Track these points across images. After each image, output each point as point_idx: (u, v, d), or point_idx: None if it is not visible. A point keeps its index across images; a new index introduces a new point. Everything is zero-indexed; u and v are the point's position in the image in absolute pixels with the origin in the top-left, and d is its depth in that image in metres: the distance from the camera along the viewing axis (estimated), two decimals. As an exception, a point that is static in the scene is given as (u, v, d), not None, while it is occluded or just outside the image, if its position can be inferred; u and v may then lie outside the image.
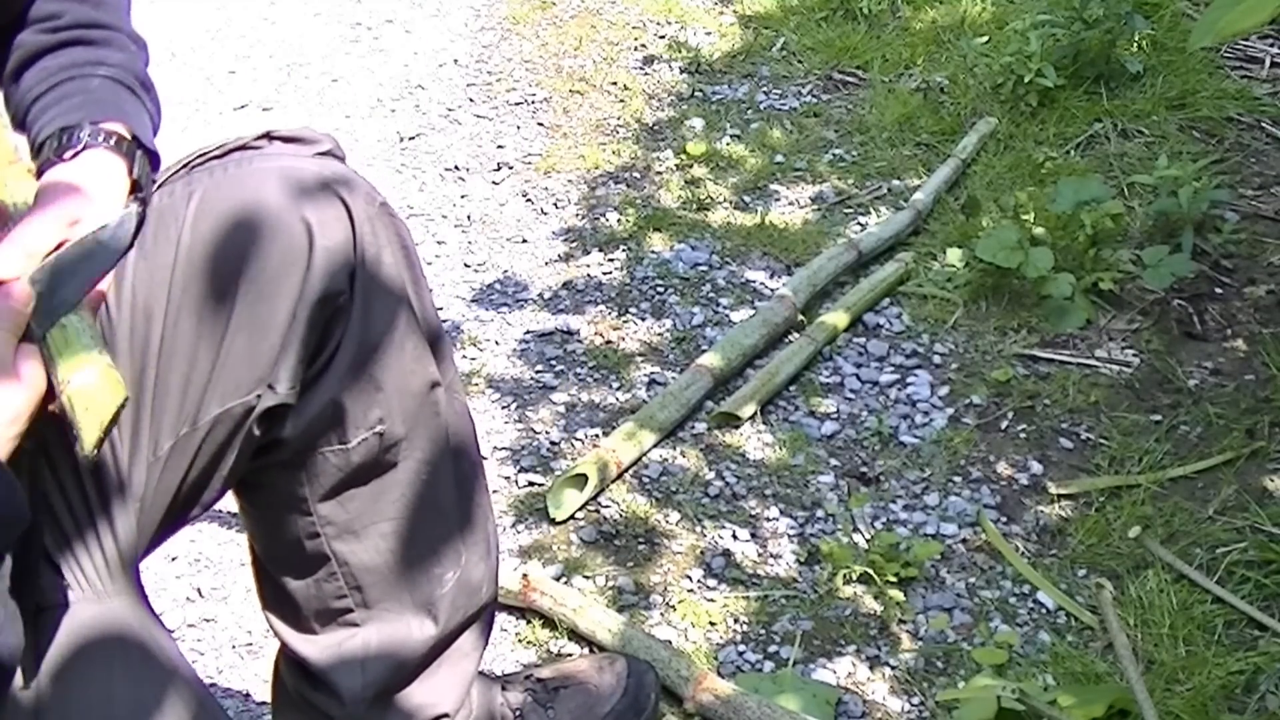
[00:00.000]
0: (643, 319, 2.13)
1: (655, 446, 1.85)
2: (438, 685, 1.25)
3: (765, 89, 2.79)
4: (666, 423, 1.85)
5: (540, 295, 2.20)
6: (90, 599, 0.95)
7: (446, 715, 1.26)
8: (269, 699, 1.34)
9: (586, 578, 1.66)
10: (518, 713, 1.37)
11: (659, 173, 2.53)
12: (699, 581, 1.65)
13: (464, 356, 2.06)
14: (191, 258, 1.02)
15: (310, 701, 1.22)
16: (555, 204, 2.44)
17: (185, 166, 1.07)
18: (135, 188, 1.01)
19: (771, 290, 2.16)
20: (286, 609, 1.21)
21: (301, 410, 1.09)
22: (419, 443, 1.17)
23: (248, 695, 1.52)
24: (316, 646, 1.20)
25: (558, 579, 1.65)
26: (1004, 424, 1.90)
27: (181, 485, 1.05)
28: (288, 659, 1.24)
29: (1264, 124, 2.54)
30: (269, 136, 1.11)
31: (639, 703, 1.43)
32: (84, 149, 0.99)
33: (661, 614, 1.61)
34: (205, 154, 1.08)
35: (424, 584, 1.21)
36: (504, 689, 1.39)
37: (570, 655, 1.54)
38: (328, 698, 1.21)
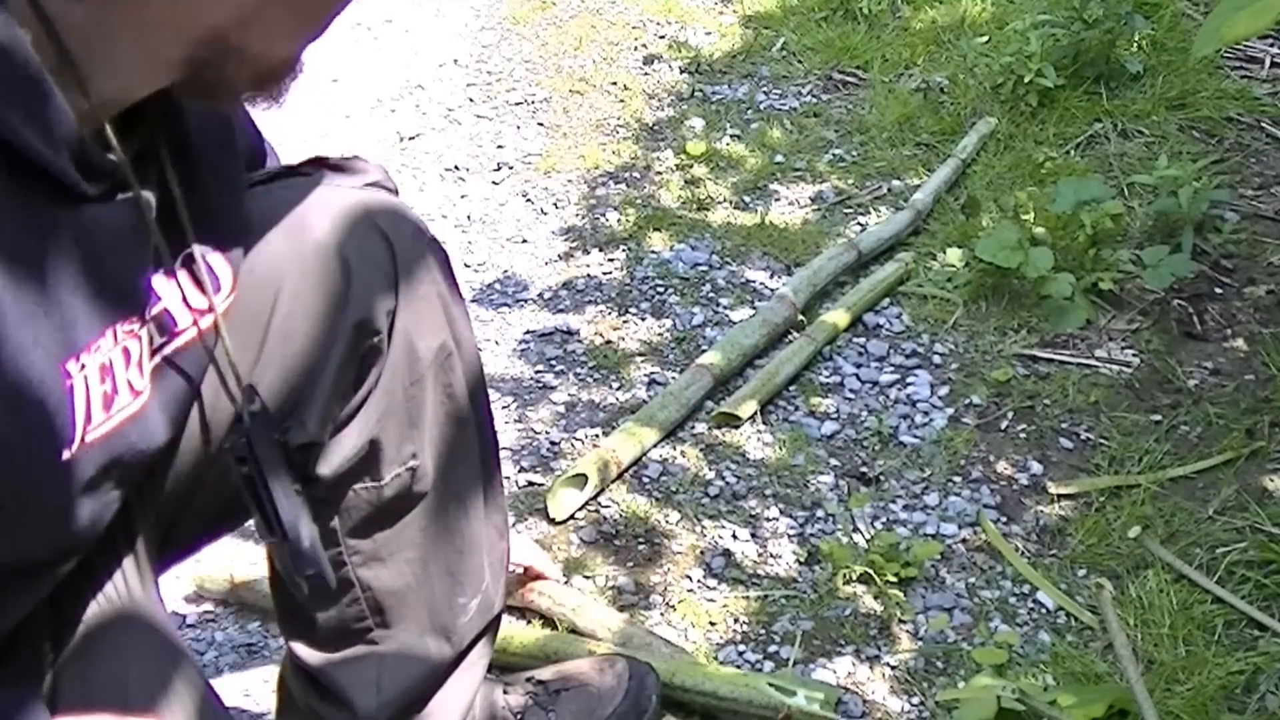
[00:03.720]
0: (643, 319, 2.13)
1: (655, 446, 1.85)
2: (446, 697, 1.26)
3: (765, 89, 2.79)
4: (666, 422, 1.85)
5: (540, 295, 2.20)
6: (114, 598, 0.96)
7: None
8: (270, 701, 1.34)
9: (586, 578, 1.66)
10: (519, 715, 1.37)
11: (659, 173, 2.53)
12: (699, 581, 1.65)
13: (464, 356, 2.06)
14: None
15: (321, 715, 1.22)
16: (555, 204, 2.44)
17: None
18: None
19: (771, 290, 2.16)
20: (304, 626, 1.21)
21: (336, 449, 1.08)
22: (449, 476, 1.17)
23: (248, 695, 1.52)
24: (330, 661, 1.20)
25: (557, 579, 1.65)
26: (1004, 424, 1.90)
27: (209, 506, 1.05)
28: (298, 671, 1.23)
29: (1264, 124, 2.54)
30: (317, 163, 1.10)
31: (640, 704, 1.42)
32: None
33: (661, 614, 1.61)
34: (251, 178, 1.06)
35: (445, 611, 1.21)
36: (505, 691, 1.39)
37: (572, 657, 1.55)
38: (339, 712, 1.21)
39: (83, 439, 0.80)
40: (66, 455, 0.79)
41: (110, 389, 0.82)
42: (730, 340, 1.99)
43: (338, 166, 1.11)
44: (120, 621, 0.94)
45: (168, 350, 0.89)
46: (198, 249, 0.90)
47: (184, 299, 0.90)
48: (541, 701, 1.39)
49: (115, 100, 0.79)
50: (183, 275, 0.90)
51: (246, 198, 1.01)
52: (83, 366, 0.79)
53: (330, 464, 1.09)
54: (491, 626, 1.28)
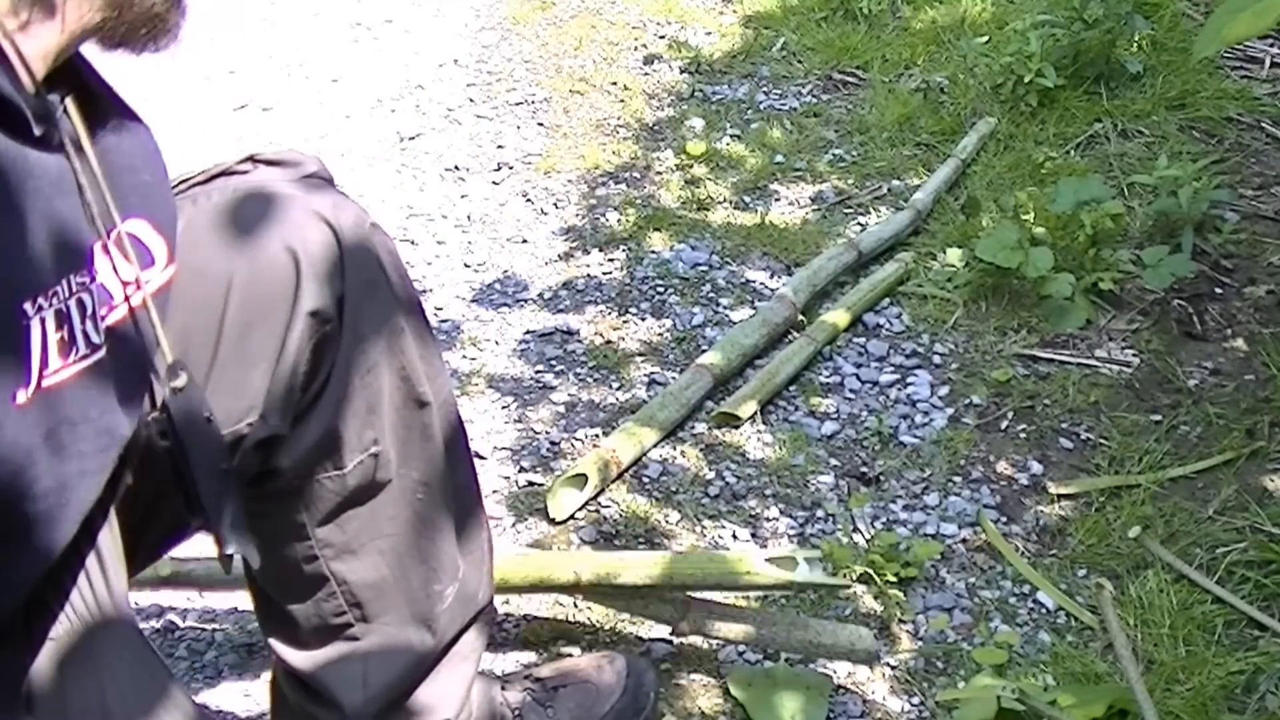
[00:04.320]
0: (643, 319, 2.13)
1: (655, 446, 1.85)
2: (439, 690, 1.25)
3: (765, 89, 2.79)
4: (666, 422, 1.85)
5: (540, 295, 2.20)
6: (84, 611, 0.93)
7: (448, 719, 1.27)
8: (268, 705, 1.34)
9: (586, 578, 1.66)
10: (517, 712, 1.37)
11: (659, 173, 2.53)
12: (699, 581, 1.65)
13: (464, 356, 2.06)
14: (179, 288, 0.99)
15: (313, 715, 1.22)
16: (555, 204, 2.44)
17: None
18: None
19: (771, 290, 2.16)
20: (285, 627, 1.21)
21: (297, 439, 1.09)
22: (413, 461, 1.17)
23: (248, 695, 1.52)
24: (315, 662, 1.20)
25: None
26: (1004, 424, 1.90)
27: (172, 506, 1.03)
28: (287, 673, 1.24)
29: (1264, 124, 2.54)
30: (252, 160, 1.11)
31: (638, 701, 1.43)
32: None
33: (661, 614, 1.61)
34: (189, 180, 1.07)
35: (423, 600, 1.21)
36: (503, 688, 1.39)
37: (570, 654, 1.54)
38: (330, 712, 1.21)
39: (39, 384, 0.79)
40: (22, 399, 0.78)
41: (67, 336, 0.81)
42: (730, 340, 1.99)
43: (273, 161, 1.11)
44: (92, 635, 0.92)
45: (108, 321, 0.88)
46: (129, 221, 0.90)
47: (114, 270, 0.89)
48: (539, 698, 1.39)
49: (46, 50, 0.82)
50: (113, 247, 0.89)
51: (186, 199, 1.03)
52: (39, 309, 0.78)
53: (292, 455, 1.09)
54: (480, 619, 1.28)
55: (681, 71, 2.87)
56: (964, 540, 1.71)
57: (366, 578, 1.18)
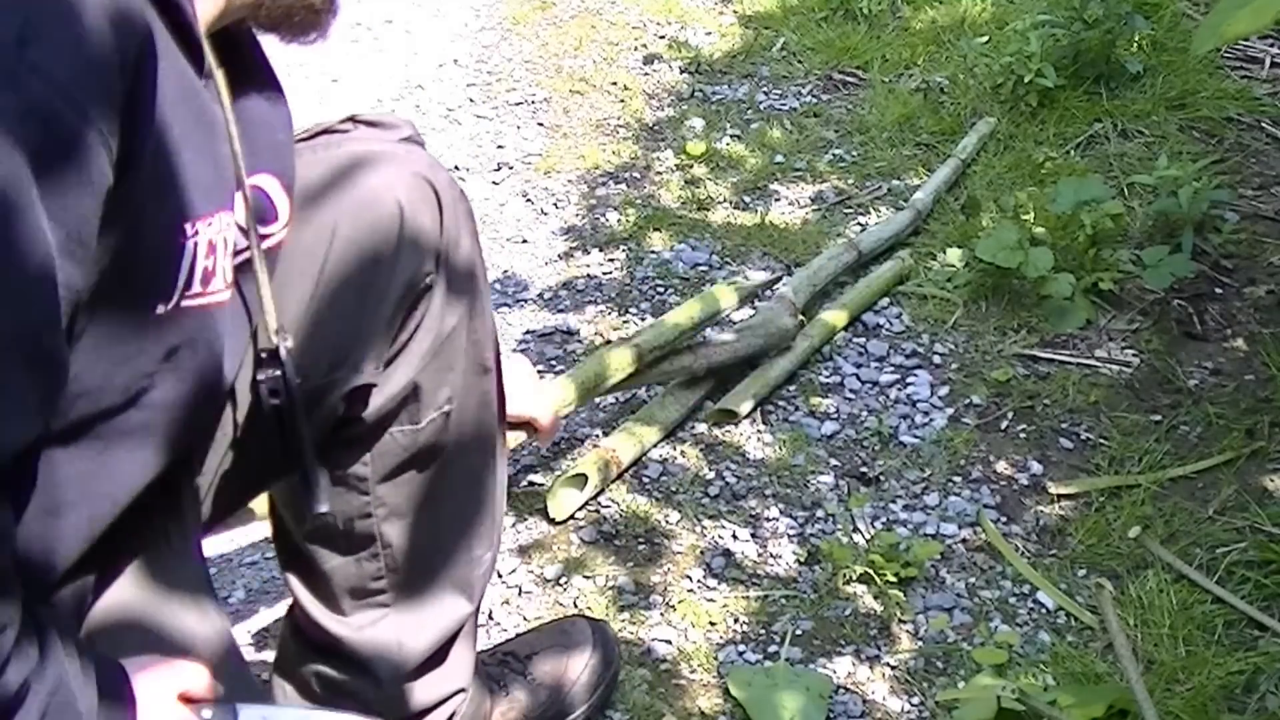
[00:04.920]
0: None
1: (655, 446, 1.85)
2: (457, 657, 1.28)
3: (765, 89, 2.79)
4: (666, 422, 1.85)
5: (540, 295, 2.20)
6: (155, 556, 0.98)
7: (464, 690, 1.29)
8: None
9: (586, 578, 1.66)
10: (500, 683, 1.39)
11: (659, 173, 2.53)
12: (699, 581, 1.65)
13: (464, 356, 2.06)
14: (288, 237, 1.04)
15: (337, 680, 1.23)
16: (555, 204, 2.44)
17: None
18: None
19: (771, 290, 2.16)
20: (317, 586, 1.22)
21: (380, 389, 1.11)
22: (471, 426, 1.19)
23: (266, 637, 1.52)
24: (349, 628, 1.22)
25: (558, 579, 1.65)
26: (1004, 424, 1.90)
27: (259, 457, 1.08)
28: (310, 635, 1.24)
29: (1264, 124, 2.54)
30: (353, 120, 1.15)
31: (608, 655, 1.46)
32: None
33: (661, 614, 1.61)
34: (295, 138, 1.10)
35: (463, 565, 1.23)
36: (484, 663, 1.41)
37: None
38: (362, 678, 1.22)
39: (178, 303, 0.84)
40: (160, 311, 0.83)
41: (211, 267, 0.87)
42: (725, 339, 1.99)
43: (372, 122, 1.15)
44: (158, 574, 0.97)
45: (237, 261, 0.93)
46: (258, 176, 0.95)
47: (242, 219, 0.94)
48: (515, 669, 1.41)
49: (208, 16, 0.89)
50: (239, 199, 0.94)
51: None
52: (197, 233, 0.84)
53: (375, 404, 1.12)
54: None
55: (681, 71, 2.87)
56: (964, 540, 1.71)
57: (411, 545, 1.20)
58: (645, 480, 1.81)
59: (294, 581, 1.25)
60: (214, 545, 1.73)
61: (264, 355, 1.00)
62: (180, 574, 0.99)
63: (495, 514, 1.26)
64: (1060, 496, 1.76)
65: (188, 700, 0.90)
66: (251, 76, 0.98)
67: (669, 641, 1.56)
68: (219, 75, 0.92)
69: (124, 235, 0.79)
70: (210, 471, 1.06)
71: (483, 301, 1.18)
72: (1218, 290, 2.12)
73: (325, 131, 1.13)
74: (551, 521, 1.73)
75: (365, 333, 1.08)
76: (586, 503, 1.75)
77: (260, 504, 1.30)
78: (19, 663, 0.76)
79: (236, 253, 0.94)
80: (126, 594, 0.95)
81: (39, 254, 0.72)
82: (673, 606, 1.62)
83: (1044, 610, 1.61)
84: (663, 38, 3.01)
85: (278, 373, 0.99)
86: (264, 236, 0.98)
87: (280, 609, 1.50)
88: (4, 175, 0.69)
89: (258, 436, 1.05)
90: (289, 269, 1.04)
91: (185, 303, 0.85)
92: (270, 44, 1.02)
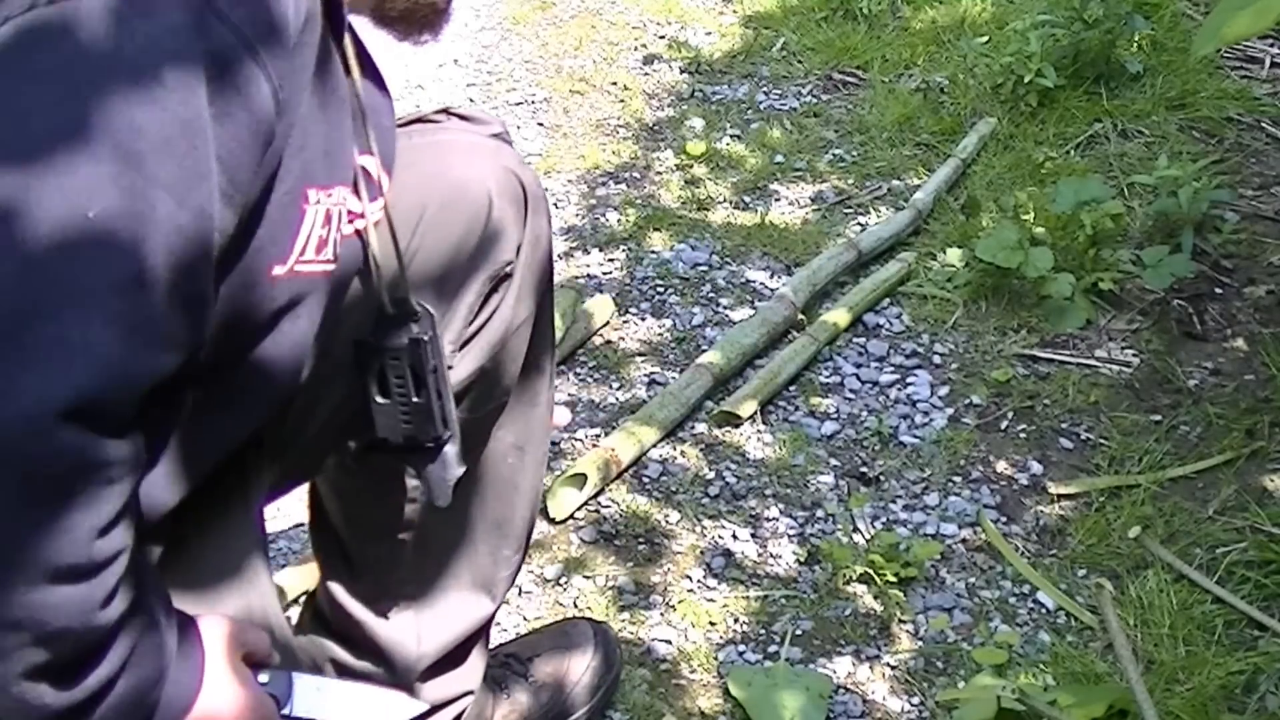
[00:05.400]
0: (643, 319, 2.13)
1: (655, 446, 1.85)
2: (474, 663, 1.29)
3: (765, 89, 2.79)
4: (666, 421, 1.85)
5: (540, 295, 2.20)
6: (217, 514, 1.00)
7: (471, 692, 1.29)
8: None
9: (586, 578, 1.66)
10: (501, 685, 1.40)
11: (659, 173, 2.53)
12: (699, 581, 1.65)
13: (464, 356, 2.06)
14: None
15: (353, 674, 1.24)
16: (555, 204, 2.44)
17: None
18: None
19: (771, 290, 2.16)
20: (347, 571, 1.23)
21: (452, 373, 1.12)
22: (520, 422, 1.21)
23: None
24: (372, 615, 1.23)
25: (558, 579, 1.65)
26: (1004, 424, 1.90)
27: (324, 429, 1.09)
28: (333, 628, 1.26)
29: (1264, 124, 2.54)
30: (447, 112, 1.17)
31: (609, 657, 1.46)
32: None
33: (661, 614, 1.61)
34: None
35: (489, 566, 1.24)
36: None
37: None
38: (377, 663, 1.23)
39: (292, 267, 0.86)
40: (278, 272, 0.85)
41: (325, 237, 0.89)
42: (730, 340, 1.99)
43: (465, 116, 1.18)
44: (218, 540, 1.00)
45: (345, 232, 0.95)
46: (365, 157, 0.97)
47: (354, 195, 0.96)
48: (517, 670, 1.42)
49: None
50: (358, 175, 0.96)
51: None
52: (317, 201, 0.87)
53: None
54: None
55: (681, 71, 2.87)
56: (964, 540, 1.71)
57: (443, 537, 1.21)
58: (645, 480, 1.81)
59: (323, 564, 1.26)
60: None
61: (381, 314, 1.02)
62: (240, 543, 1.01)
63: (528, 516, 1.27)
64: (1060, 496, 1.76)
65: (248, 662, 0.92)
66: (362, 61, 1.00)
67: (669, 641, 1.56)
68: (350, 48, 0.95)
69: (263, 188, 0.81)
70: (287, 436, 1.08)
71: (550, 300, 1.20)
72: (1218, 290, 2.12)
73: (419, 120, 1.16)
74: (551, 521, 1.73)
75: (446, 313, 1.09)
76: (586, 502, 1.75)
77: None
78: (124, 594, 0.77)
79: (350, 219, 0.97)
80: (187, 556, 0.97)
81: (205, 193, 0.74)
82: (673, 606, 1.62)
83: (1044, 610, 1.61)
84: (663, 38, 3.01)
85: (405, 336, 1.01)
86: (366, 214, 1.00)
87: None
88: (188, 115, 0.73)
89: (345, 406, 1.07)
90: (380, 236, 1.06)
91: (300, 267, 0.87)
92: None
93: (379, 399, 1.03)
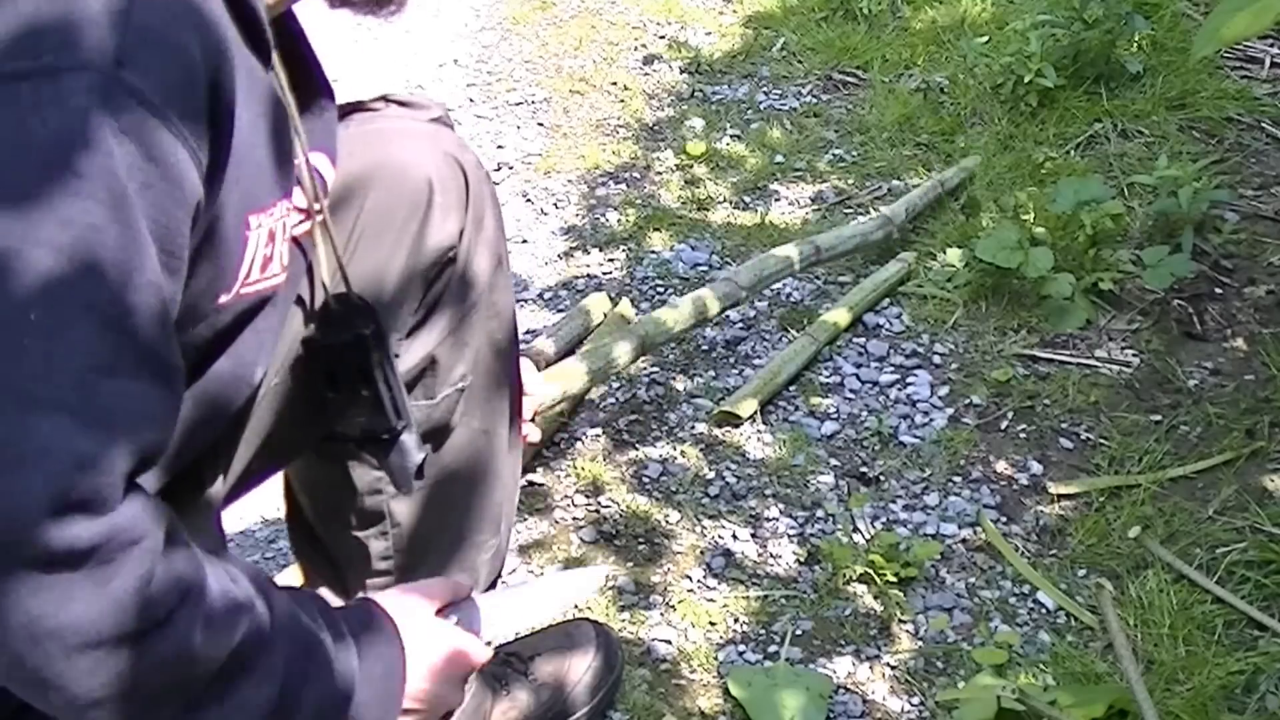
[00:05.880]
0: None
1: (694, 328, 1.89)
2: None
3: (765, 89, 2.79)
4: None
5: (540, 295, 2.20)
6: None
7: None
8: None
9: (586, 578, 1.66)
10: (503, 683, 1.40)
11: (659, 173, 2.53)
12: (699, 581, 1.65)
13: (464, 356, 2.06)
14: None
15: None
16: (555, 204, 2.44)
17: None
18: None
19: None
20: (324, 568, 1.24)
21: (400, 361, 1.12)
22: (480, 407, 1.20)
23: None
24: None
25: (558, 579, 1.65)
26: (1004, 424, 1.90)
27: (278, 426, 1.09)
28: None
29: (1264, 124, 2.54)
30: (385, 99, 1.18)
31: (610, 658, 1.46)
32: None
33: (661, 614, 1.61)
34: None
35: (468, 549, 1.24)
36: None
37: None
38: None
39: (238, 291, 0.86)
40: (223, 300, 0.85)
41: (269, 254, 0.88)
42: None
43: (404, 102, 1.18)
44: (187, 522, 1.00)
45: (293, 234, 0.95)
46: (312, 154, 0.97)
47: (301, 204, 0.96)
48: (518, 669, 1.42)
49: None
50: (301, 176, 0.96)
51: None
52: (259, 225, 0.86)
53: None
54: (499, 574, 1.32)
55: (681, 71, 2.87)
56: (964, 540, 1.71)
57: (419, 525, 1.21)
58: (645, 480, 1.81)
59: (305, 563, 1.26)
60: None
61: (325, 311, 1.03)
62: (200, 544, 1.01)
63: (504, 500, 1.26)
64: (1060, 496, 1.76)
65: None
66: (296, 53, 0.99)
67: (669, 641, 1.56)
68: (277, 60, 0.93)
69: (204, 238, 0.81)
70: (246, 439, 1.08)
71: (503, 282, 1.19)
72: (1218, 290, 2.12)
73: (358, 108, 1.16)
74: (550, 521, 1.73)
75: (389, 303, 1.09)
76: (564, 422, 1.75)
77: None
78: (223, 630, 0.81)
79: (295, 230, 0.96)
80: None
81: (148, 272, 0.74)
82: (673, 606, 1.62)
83: (1044, 610, 1.61)
84: (663, 38, 3.01)
85: (349, 332, 1.02)
86: (319, 211, 1.01)
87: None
88: (108, 197, 0.71)
89: (298, 402, 1.07)
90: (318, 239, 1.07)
91: (244, 290, 0.87)
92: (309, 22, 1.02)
93: (330, 394, 1.04)
